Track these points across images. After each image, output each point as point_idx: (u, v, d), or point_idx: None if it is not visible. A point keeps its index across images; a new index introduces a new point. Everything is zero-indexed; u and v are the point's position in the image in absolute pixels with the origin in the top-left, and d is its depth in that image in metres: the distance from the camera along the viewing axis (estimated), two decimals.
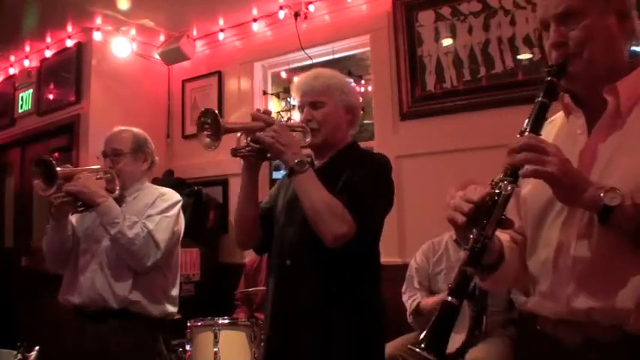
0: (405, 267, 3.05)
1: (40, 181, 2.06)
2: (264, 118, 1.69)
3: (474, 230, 1.03)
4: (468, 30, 3.34)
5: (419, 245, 3.07)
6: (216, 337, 2.41)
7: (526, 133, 1.07)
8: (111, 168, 2.24)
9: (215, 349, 2.39)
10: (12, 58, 5.10)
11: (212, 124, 1.62)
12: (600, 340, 1.06)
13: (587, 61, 1.12)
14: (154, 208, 2.20)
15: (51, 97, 4.71)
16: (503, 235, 1.23)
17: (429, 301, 2.83)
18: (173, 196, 2.29)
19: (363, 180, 1.70)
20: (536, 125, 1.08)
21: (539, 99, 1.11)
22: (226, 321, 2.52)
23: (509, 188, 1.02)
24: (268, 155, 1.70)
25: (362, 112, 3.88)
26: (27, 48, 4.86)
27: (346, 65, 4.12)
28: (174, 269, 2.29)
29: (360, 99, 2.07)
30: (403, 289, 3.00)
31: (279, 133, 1.64)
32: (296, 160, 1.64)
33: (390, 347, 2.69)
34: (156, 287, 2.19)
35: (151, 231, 2.11)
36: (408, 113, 3.50)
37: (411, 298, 2.92)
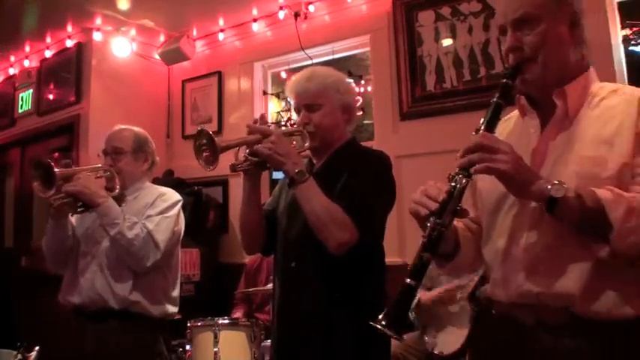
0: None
1: (40, 183, 2.06)
2: (260, 130, 1.68)
3: (431, 219, 1.12)
4: (467, 30, 3.34)
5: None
6: (216, 337, 2.41)
7: (481, 131, 1.16)
8: (111, 166, 2.24)
9: (215, 349, 2.39)
10: (12, 58, 5.10)
11: (208, 145, 1.61)
12: (550, 321, 1.15)
13: (541, 64, 1.21)
14: (153, 208, 2.20)
15: (51, 97, 4.71)
16: (460, 225, 1.33)
17: (429, 296, 2.84)
18: (173, 196, 2.29)
19: (362, 181, 1.69)
20: (491, 124, 1.18)
21: (495, 99, 1.20)
22: (226, 321, 2.52)
23: (463, 182, 1.11)
24: (268, 165, 1.70)
25: (362, 113, 3.90)
26: (27, 48, 4.86)
27: (346, 65, 4.12)
28: (175, 269, 2.29)
29: (356, 95, 2.05)
30: None
31: (276, 143, 1.63)
32: (296, 170, 1.63)
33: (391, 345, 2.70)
34: (156, 288, 2.19)
35: (151, 231, 2.11)
36: (408, 113, 3.50)
37: None
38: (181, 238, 2.31)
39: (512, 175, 1.09)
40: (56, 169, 2.04)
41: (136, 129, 2.36)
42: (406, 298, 1.11)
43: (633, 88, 1.25)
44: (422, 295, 2.87)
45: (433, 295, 2.80)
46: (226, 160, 1.71)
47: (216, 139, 1.60)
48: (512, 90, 1.22)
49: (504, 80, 1.22)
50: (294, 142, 1.77)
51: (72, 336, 2.19)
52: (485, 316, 1.35)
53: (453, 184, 1.12)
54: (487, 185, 1.29)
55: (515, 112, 1.37)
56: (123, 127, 2.35)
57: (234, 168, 1.69)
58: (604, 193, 1.07)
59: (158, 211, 2.19)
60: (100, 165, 2.27)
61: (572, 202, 1.06)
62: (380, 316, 1.09)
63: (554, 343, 1.14)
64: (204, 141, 1.62)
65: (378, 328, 1.08)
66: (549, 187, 1.07)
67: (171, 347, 2.95)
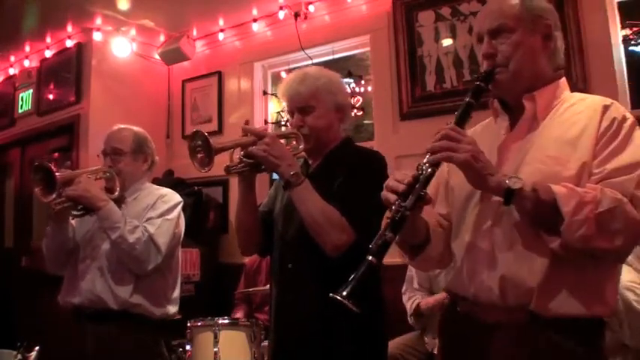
0: (405, 267, 3.04)
1: (41, 187, 2.04)
2: (255, 132, 1.67)
3: (396, 202, 1.17)
4: (468, 30, 3.34)
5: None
6: (216, 337, 2.40)
7: (450, 125, 1.23)
8: (110, 167, 2.22)
9: (215, 349, 2.38)
10: (12, 59, 5.10)
11: (203, 147, 1.61)
12: (511, 320, 1.21)
13: (512, 71, 1.30)
14: (154, 210, 2.19)
15: (51, 97, 4.71)
16: (432, 221, 1.39)
17: (430, 301, 2.83)
18: (173, 197, 2.27)
19: (358, 182, 1.68)
20: (461, 120, 1.25)
21: (467, 99, 1.28)
22: (226, 321, 2.51)
23: (429, 170, 1.17)
24: (262, 167, 1.69)
25: (362, 113, 3.90)
26: (27, 48, 4.86)
27: (346, 65, 4.13)
28: (175, 271, 2.28)
29: (348, 92, 2.04)
30: (403, 290, 3.00)
31: (271, 146, 1.62)
32: (291, 172, 1.63)
33: (390, 346, 2.69)
34: (157, 289, 2.18)
35: (152, 235, 2.09)
36: (408, 113, 3.50)
37: (411, 300, 2.92)
38: (182, 239, 2.30)
39: (472, 165, 1.15)
40: (57, 173, 2.02)
41: (135, 128, 2.34)
42: (366, 274, 1.14)
43: (601, 97, 1.31)
44: (423, 301, 2.86)
45: (435, 300, 2.79)
46: (225, 160, 1.71)
47: (211, 140, 1.59)
48: (484, 92, 1.30)
49: (477, 83, 1.30)
50: (290, 144, 1.76)
51: (72, 337, 2.19)
52: (451, 312, 1.40)
53: (419, 172, 1.18)
54: (458, 182, 1.34)
55: (491, 119, 1.45)
56: (122, 126, 2.33)
57: (228, 170, 1.68)
58: (559, 188, 1.13)
59: (159, 213, 2.17)
60: (99, 167, 2.25)
61: (528, 194, 1.13)
62: (340, 289, 1.13)
63: (513, 344, 1.19)
64: (200, 142, 1.61)
65: (337, 299, 1.12)
66: (507, 180, 1.13)
67: (171, 348, 2.96)
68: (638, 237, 1.17)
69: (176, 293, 2.27)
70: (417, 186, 1.16)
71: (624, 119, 1.22)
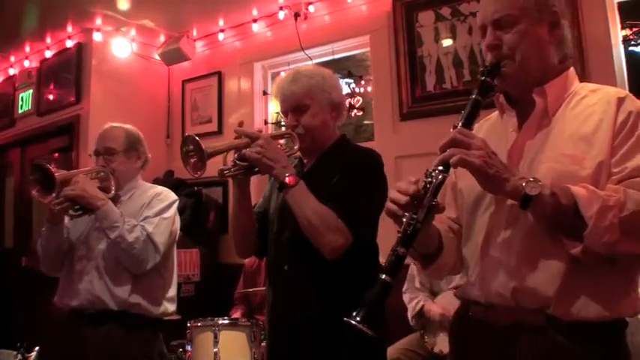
0: (405, 267, 3.04)
1: (39, 188, 2.03)
2: (248, 134, 1.65)
3: (407, 214, 1.11)
4: (467, 30, 3.34)
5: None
6: (216, 337, 2.41)
7: (458, 126, 1.16)
8: (104, 167, 2.21)
9: (215, 350, 2.39)
10: (12, 59, 5.10)
11: (195, 151, 1.58)
12: (527, 322, 1.15)
13: (519, 62, 1.22)
14: (150, 209, 2.18)
15: (51, 97, 4.71)
16: (443, 227, 1.33)
17: (435, 309, 2.79)
18: (169, 195, 2.27)
19: (353, 181, 1.67)
20: (469, 119, 1.18)
21: (473, 96, 1.20)
22: (226, 321, 2.51)
23: (440, 177, 1.11)
24: (256, 170, 1.66)
25: (362, 113, 3.89)
26: (27, 48, 4.86)
27: (346, 65, 4.13)
28: (171, 269, 2.28)
29: (342, 89, 2.01)
30: (404, 289, 3.00)
31: (265, 148, 1.60)
32: (286, 174, 1.61)
33: (391, 350, 2.69)
34: (154, 288, 2.18)
35: (151, 234, 2.09)
36: (408, 113, 3.50)
37: (414, 301, 2.91)
38: (177, 238, 2.30)
39: (486, 170, 1.08)
40: (56, 174, 2.01)
41: (127, 126, 2.33)
42: (382, 295, 1.08)
43: (614, 88, 1.26)
44: (427, 307, 2.83)
45: (440, 312, 2.76)
46: (222, 162, 1.70)
47: (203, 145, 1.56)
48: (491, 88, 1.23)
49: (483, 78, 1.22)
50: (283, 144, 1.75)
51: (71, 339, 2.16)
52: (463, 318, 1.34)
53: (429, 179, 1.12)
54: (467, 185, 1.30)
55: (496, 113, 1.38)
56: (113, 125, 2.32)
57: (222, 174, 1.66)
58: (579, 190, 1.06)
59: (155, 211, 2.17)
60: (93, 167, 2.24)
61: (547, 199, 1.06)
62: (354, 312, 1.06)
63: (533, 345, 1.14)
64: (191, 147, 1.59)
65: (351, 324, 1.05)
66: (524, 184, 1.07)
67: (170, 347, 2.95)
68: None
69: (173, 291, 2.27)
70: (427, 195, 1.11)
71: None
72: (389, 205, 1.15)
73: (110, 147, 2.24)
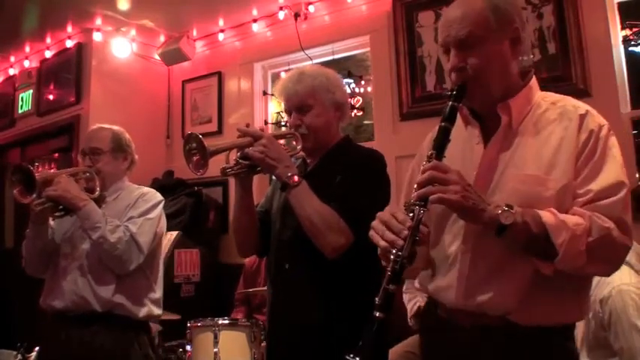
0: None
1: (20, 189, 2.02)
2: (251, 133, 1.65)
3: (393, 251, 1.14)
4: None
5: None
6: (216, 337, 2.40)
7: (433, 159, 1.19)
8: (90, 167, 2.21)
9: (215, 350, 2.38)
10: (12, 59, 5.10)
11: (198, 149, 1.58)
12: (490, 325, 1.23)
13: (484, 84, 1.26)
14: (135, 209, 2.17)
15: (51, 97, 4.71)
16: None
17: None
18: (155, 196, 2.25)
19: (356, 181, 1.67)
20: (441, 149, 1.21)
21: (442, 124, 1.23)
22: (226, 321, 2.51)
23: (421, 212, 1.15)
24: (259, 169, 1.67)
25: (362, 113, 3.89)
26: (27, 48, 4.86)
27: (346, 65, 4.13)
28: (156, 271, 2.26)
29: (346, 89, 2.01)
30: (404, 289, 2.99)
31: (268, 147, 1.61)
32: (289, 174, 1.61)
33: (391, 354, 2.68)
34: (139, 289, 2.16)
35: (134, 234, 2.08)
36: (408, 114, 3.50)
37: (412, 301, 2.91)
38: (163, 238, 2.29)
39: (463, 204, 1.14)
40: (36, 174, 2.00)
41: (115, 128, 2.33)
42: (379, 333, 1.12)
43: (573, 101, 1.29)
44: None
45: None
46: (223, 161, 1.70)
47: (205, 143, 1.57)
48: (457, 111, 1.26)
49: (451, 103, 1.25)
50: (287, 145, 1.75)
51: (57, 341, 2.13)
52: (431, 316, 1.41)
53: (411, 214, 1.15)
54: None
55: (460, 123, 1.39)
56: (101, 126, 2.32)
57: (224, 172, 1.66)
58: (548, 218, 1.13)
59: (140, 212, 2.16)
60: (79, 167, 2.24)
61: (520, 227, 1.13)
62: (353, 354, 1.10)
63: (495, 343, 1.22)
64: (194, 145, 1.59)
65: None
66: (499, 212, 1.13)
67: (168, 347, 2.95)
68: (624, 259, 1.20)
69: (158, 294, 2.25)
70: (410, 233, 1.14)
71: (600, 128, 1.21)
72: (377, 239, 1.19)
73: (96, 147, 2.24)
